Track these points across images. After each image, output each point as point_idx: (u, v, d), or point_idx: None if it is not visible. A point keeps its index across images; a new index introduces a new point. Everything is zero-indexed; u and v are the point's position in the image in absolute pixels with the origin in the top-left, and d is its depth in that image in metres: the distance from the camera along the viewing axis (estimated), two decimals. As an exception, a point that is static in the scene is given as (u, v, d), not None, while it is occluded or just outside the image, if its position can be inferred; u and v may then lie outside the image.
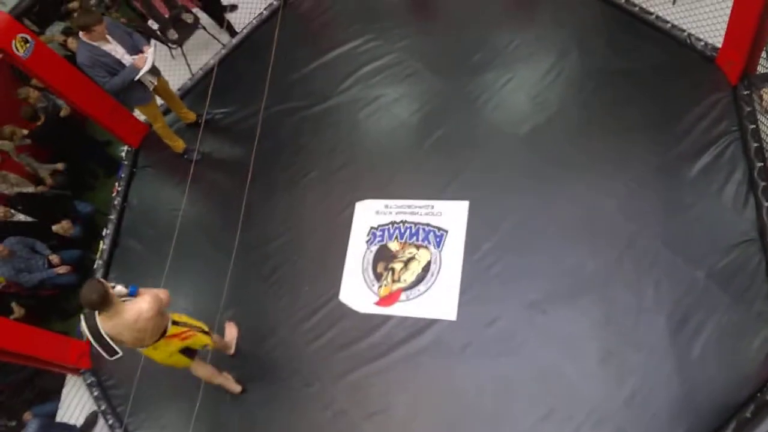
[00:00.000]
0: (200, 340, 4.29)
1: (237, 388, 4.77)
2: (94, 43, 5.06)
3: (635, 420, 3.98)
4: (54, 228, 6.17)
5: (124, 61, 5.22)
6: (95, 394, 5.30)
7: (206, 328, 4.38)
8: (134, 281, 5.64)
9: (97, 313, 3.72)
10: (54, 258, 6.02)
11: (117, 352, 3.84)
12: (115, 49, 5.16)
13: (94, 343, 3.80)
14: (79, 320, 3.85)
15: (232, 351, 4.92)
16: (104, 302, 3.60)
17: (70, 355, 5.35)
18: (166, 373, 5.02)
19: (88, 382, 5.38)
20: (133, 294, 3.87)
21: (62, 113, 6.99)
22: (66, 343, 5.40)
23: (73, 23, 7.44)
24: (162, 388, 5.02)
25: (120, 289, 3.83)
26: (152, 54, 5.32)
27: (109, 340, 3.76)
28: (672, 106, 4.83)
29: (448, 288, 4.71)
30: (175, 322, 4.12)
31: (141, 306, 3.74)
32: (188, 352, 4.29)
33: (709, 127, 4.68)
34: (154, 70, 5.51)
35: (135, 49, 5.29)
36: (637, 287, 4.30)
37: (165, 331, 4.02)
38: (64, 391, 5.55)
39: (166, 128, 6.06)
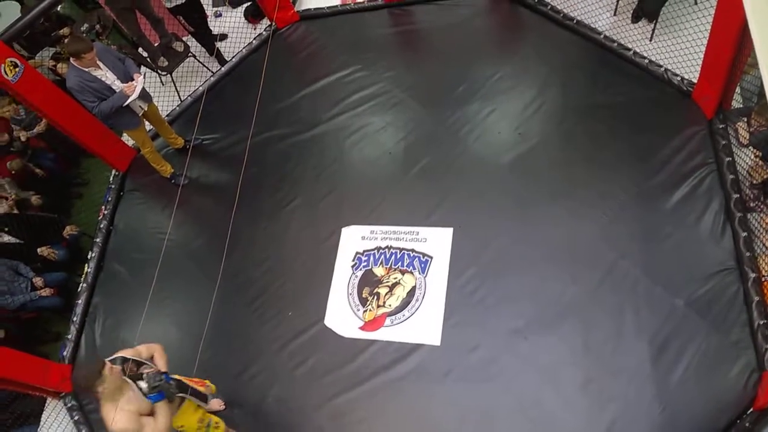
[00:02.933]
0: None
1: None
2: (85, 69, 5.12)
3: (616, 447, 3.99)
4: (39, 250, 6.14)
5: (114, 87, 5.26)
6: (75, 418, 5.23)
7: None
8: (118, 305, 5.65)
9: None
10: (37, 280, 5.98)
11: None
12: (105, 74, 5.21)
13: None
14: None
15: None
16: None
17: (51, 378, 5.29)
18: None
19: (69, 405, 5.32)
20: (150, 400, 3.57)
21: (37, 129, 7.05)
22: (47, 367, 5.34)
23: (64, 50, 7.51)
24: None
25: (142, 385, 3.56)
26: (141, 81, 5.38)
27: None
28: (650, 139, 4.94)
29: (433, 313, 4.74)
30: None
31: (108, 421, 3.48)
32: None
33: (687, 159, 4.79)
34: (144, 96, 5.58)
35: (126, 75, 5.34)
36: (617, 314, 4.35)
37: None
38: (44, 415, 5.48)
39: (155, 153, 6.10)
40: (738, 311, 4.16)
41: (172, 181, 6.21)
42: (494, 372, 4.42)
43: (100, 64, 5.17)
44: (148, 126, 6.00)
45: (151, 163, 6.14)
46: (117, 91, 5.26)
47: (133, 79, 5.33)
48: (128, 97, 5.28)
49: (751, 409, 3.86)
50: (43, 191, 6.94)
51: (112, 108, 5.28)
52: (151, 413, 3.59)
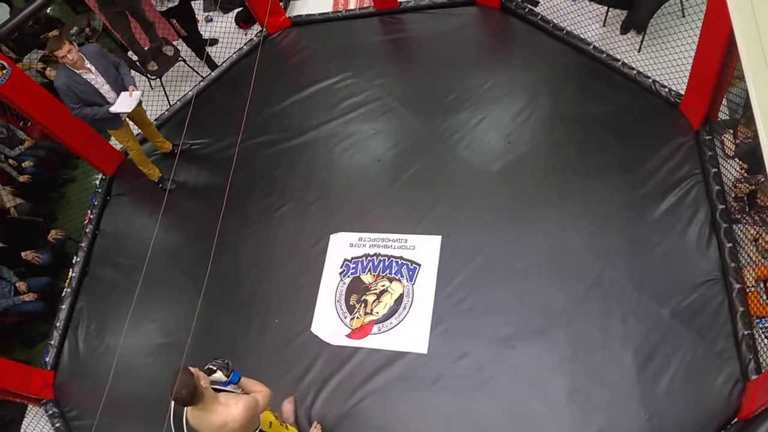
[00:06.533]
0: None
1: None
2: (78, 71, 5.07)
3: (602, 456, 3.99)
4: (23, 255, 6.07)
5: (102, 92, 5.21)
6: (57, 425, 5.15)
7: None
8: (102, 310, 5.58)
9: None
10: (21, 285, 5.91)
11: None
12: (95, 78, 5.16)
13: (172, 426, 3.44)
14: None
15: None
16: (193, 399, 3.19)
17: (33, 384, 5.23)
18: (131, 404, 4.95)
19: (50, 413, 5.24)
20: (233, 382, 3.47)
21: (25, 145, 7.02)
22: (28, 373, 5.28)
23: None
24: (127, 421, 4.90)
25: (219, 376, 3.44)
26: (137, 98, 5.29)
27: (185, 430, 3.42)
28: (638, 149, 4.97)
29: (420, 321, 4.73)
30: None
31: (231, 413, 3.29)
32: None
33: (673, 170, 4.82)
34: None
35: (119, 83, 5.29)
36: (603, 324, 4.35)
37: None
38: (25, 422, 5.41)
39: (142, 155, 6.05)
40: (723, 321, 4.17)
41: (160, 185, 6.17)
42: (482, 380, 4.41)
43: (91, 67, 5.13)
44: (135, 129, 5.95)
45: (139, 166, 6.08)
46: (104, 94, 5.21)
47: (126, 89, 5.28)
48: (112, 114, 5.25)
49: (736, 419, 3.87)
50: (28, 197, 6.88)
51: (94, 117, 5.25)
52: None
